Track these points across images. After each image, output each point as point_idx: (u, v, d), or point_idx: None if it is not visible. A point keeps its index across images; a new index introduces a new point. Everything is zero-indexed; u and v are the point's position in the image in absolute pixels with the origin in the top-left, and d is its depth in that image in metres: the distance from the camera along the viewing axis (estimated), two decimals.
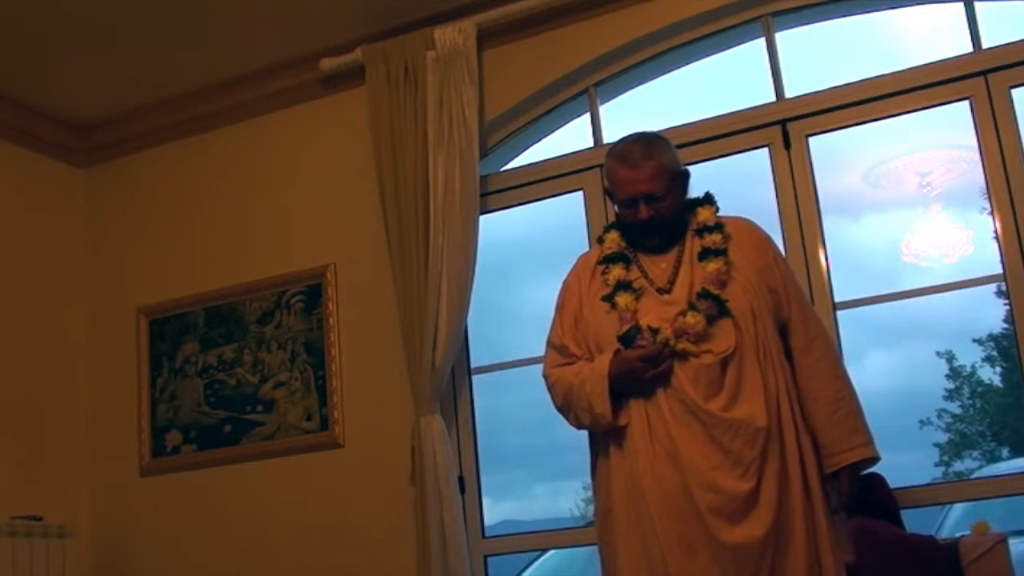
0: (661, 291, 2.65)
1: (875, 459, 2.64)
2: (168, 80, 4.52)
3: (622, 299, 2.64)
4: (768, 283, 2.66)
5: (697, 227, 2.70)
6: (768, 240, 2.78)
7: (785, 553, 2.46)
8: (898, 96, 3.62)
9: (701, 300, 2.58)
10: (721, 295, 2.58)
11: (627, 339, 2.59)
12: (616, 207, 2.77)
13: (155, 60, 4.36)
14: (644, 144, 2.71)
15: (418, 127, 4.00)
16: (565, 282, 2.84)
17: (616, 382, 2.58)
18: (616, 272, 2.69)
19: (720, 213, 2.74)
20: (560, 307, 2.81)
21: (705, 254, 2.65)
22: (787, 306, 2.67)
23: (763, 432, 2.49)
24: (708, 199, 2.75)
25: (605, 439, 2.67)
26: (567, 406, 2.71)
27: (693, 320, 2.55)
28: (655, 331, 2.56)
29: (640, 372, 2.56)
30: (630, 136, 2.77)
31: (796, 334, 2.66)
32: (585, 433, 2.78)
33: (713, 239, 2.66)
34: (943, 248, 4.29)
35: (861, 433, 2.61)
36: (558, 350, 2.77)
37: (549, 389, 2.76)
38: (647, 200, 2.65)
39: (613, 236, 2.76)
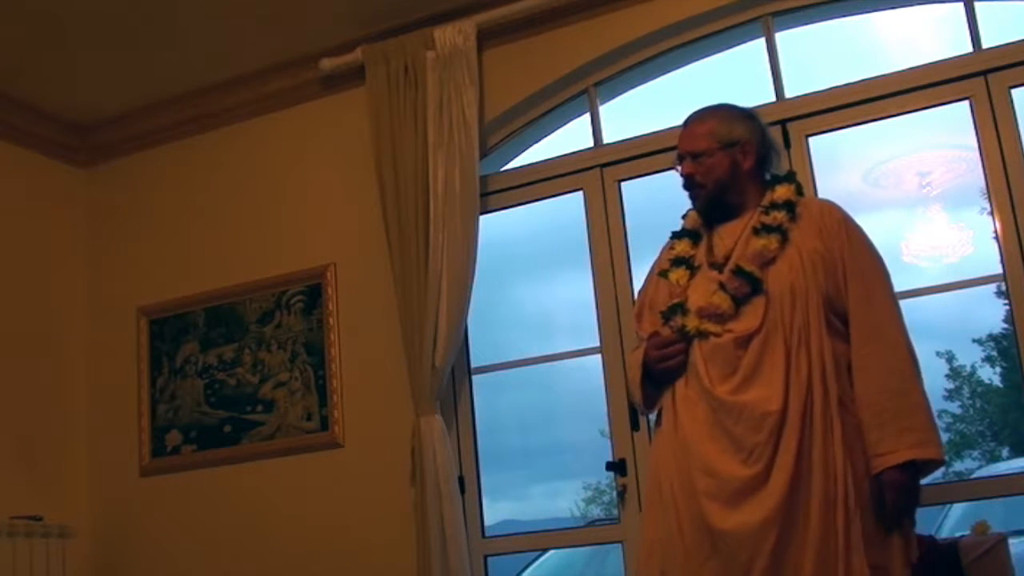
0: (714, 266, 2.65)
1: (938, 461, 2.47)
2: (168, 80, 4.52)
3: (675, 274, 2.68)
4: (827, 265, 2.55)
5: (767, 203, 2.66)
6: (842, 223, 2.63)
7: (792, 549, 2.36)
8: (898, 96, 3.62)
9: (733, 278, 2.56)
10: (757, 273, 2.54)
11: (666, 315, 2.63)
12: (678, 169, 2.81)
13: (155, 60, 4.36)
14: (707, 109, 2.78)
15: (418, 127, 4.00)
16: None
17: (650, 368, 2.63)
18: (680, 247, 2.73)
19: (804, 195, 2.71)
20: (641, 291, 2.88)
21: (759, 230, 2.61)
22: (846, 294, 2.55)
23: (773, 417, 2.42)
24: (788, 177, 2.73)
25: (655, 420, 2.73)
26: (628, 391, 2.83)
27: (718, 300, 2.54)
28: (686, 312, 2.58)
29: (653, 361, 2.59)
30: None
31: (856, 325, 2.53)
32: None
33: (776, 216, 2.61)
34: (943, 248, 4.28)
35: (914, 432, 2.41)
36: (637, 335, 2.83)
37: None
38: (691, 157, 2.70)
39: (693, 215, 2.80)
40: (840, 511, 2.39)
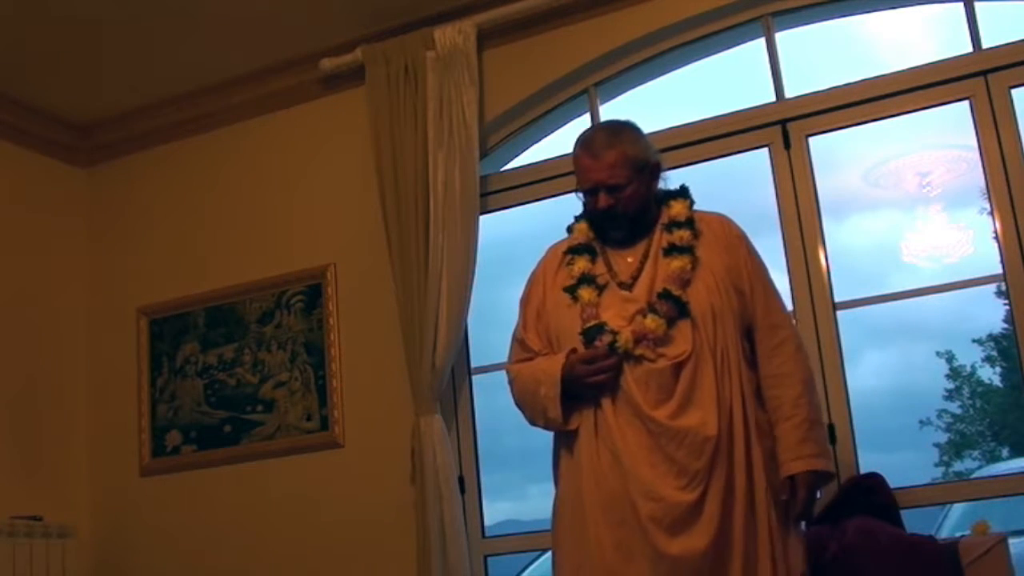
0: (622, 286, 2.60)
1: (826, 474, 2.56)
2: (168, 80, 4.52)
3: (585, 293, 2.60)
4: (735, 284, 2.59)
5: (667, 221, 2.64)
6: (741, 237, 2.70)
7: (724, 568, 2.40)
8: (898, 96, 3.62)
9: (661, 301, 2.52)
10: (683, 296, 2.52)
11: (590, 335, 2.55)
12: (580, 196, 2.71)
13: (155, 60, 4.36)
14: (609, 132, 2.66)
15: (418, 127, 4.00)
16: (532, 273, 2.80)
17: (567, 384, 2.54)
18: (581, 264, 2.65)
19: (696, 208, 2.68)
20: (525, 299, 2.77)
21: (670, 250, 2.59)
22: (752, 308, 2.59)
23: (712, 442, 2.43)
24: (683, 192, 2.70)
25: (559, 440, 2.65)
26: (523, 404, 2.68)
27: (653, 324, 2.50)
28: (614, 333, 2.51)
29: (582, 376, 2.51)
30: (596, 125, 2.74)
31: (762, 338, 2.59)
32: None
33: (681, 235, 2.60)
34: (943, 248, 4.28)
35: (811, 443, 2.52)
36: (520, 344, 2.73)
37: (509, 384, 2.73)
38: (607, 190, 2.60)
39: (581, 226, 2.73)
40: (762, 536, 2.44)
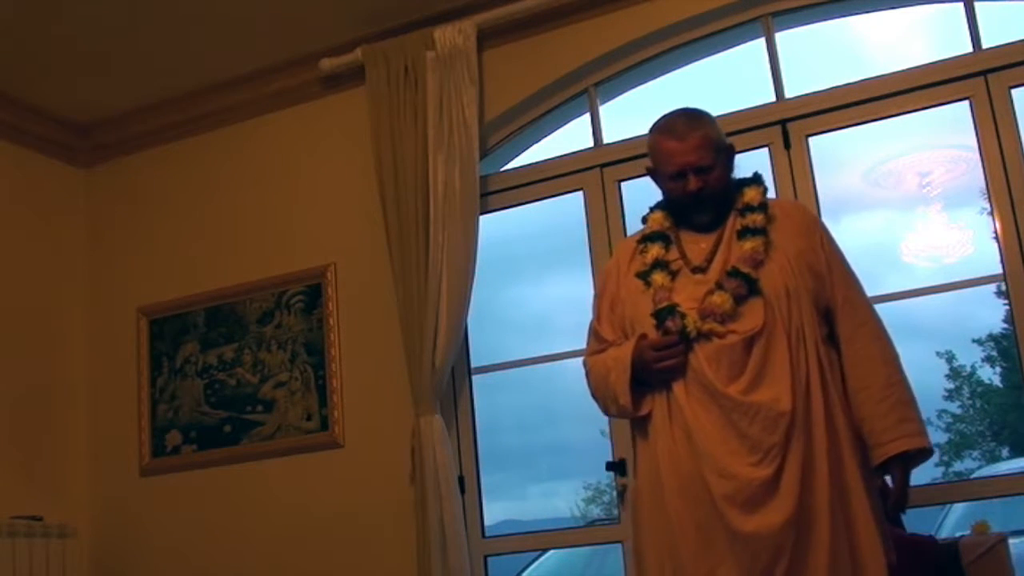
0: (696, 270, 2.60)
1: (927, 450, 2.52)
2: (168, 80, 4.52)
3: (658, 277, 2.60)
4: (811, 265, 2.57)
5: (741, 207, 2.64)
6: (817, 221, 2.71)
7: (806, 547, 2.37)
8: (898, 96, 3.62)
9: (730, 278, 2.52)
10: (753, 274, 2.51)
11: (661, 316, 2.54)
12: (663, 183, 2.69)
13: (155, 60, 4.36)
14: (688, 117, 2.66)
15: (418, 127, 4.01)
16: (606, 266, 2.83)
17: (637, 369, 2.54)
18: (654, 251, 2.65)
19: (769, 196, 2.69)
20: (599, 292, 2.78)
21: (743, 233, 2.59)
22: (831, 290, 2.58)
23: (786, 417, 2.40)
24: (756, 179, 2.70)
25: (635, 428, 2.65)
26: (596, 393, 2.69)
27: (719, 300, 2.49)
28: (682, 315, 2.50)
29: (651, 361, 2.51)
30: (672, 112, 2.71)
31: (843, 320, 2.57)
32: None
33: (754, 218, 2.59)
34: (943, 248, 4.29)
35: (912, 422, 2.49)
36: (595, 336, 2.74)
37: (585, 376, 2.74)
38: (696, 171, 2.60)
39: (657, 216, 2.72)
40: (857, 515, 2.41)
